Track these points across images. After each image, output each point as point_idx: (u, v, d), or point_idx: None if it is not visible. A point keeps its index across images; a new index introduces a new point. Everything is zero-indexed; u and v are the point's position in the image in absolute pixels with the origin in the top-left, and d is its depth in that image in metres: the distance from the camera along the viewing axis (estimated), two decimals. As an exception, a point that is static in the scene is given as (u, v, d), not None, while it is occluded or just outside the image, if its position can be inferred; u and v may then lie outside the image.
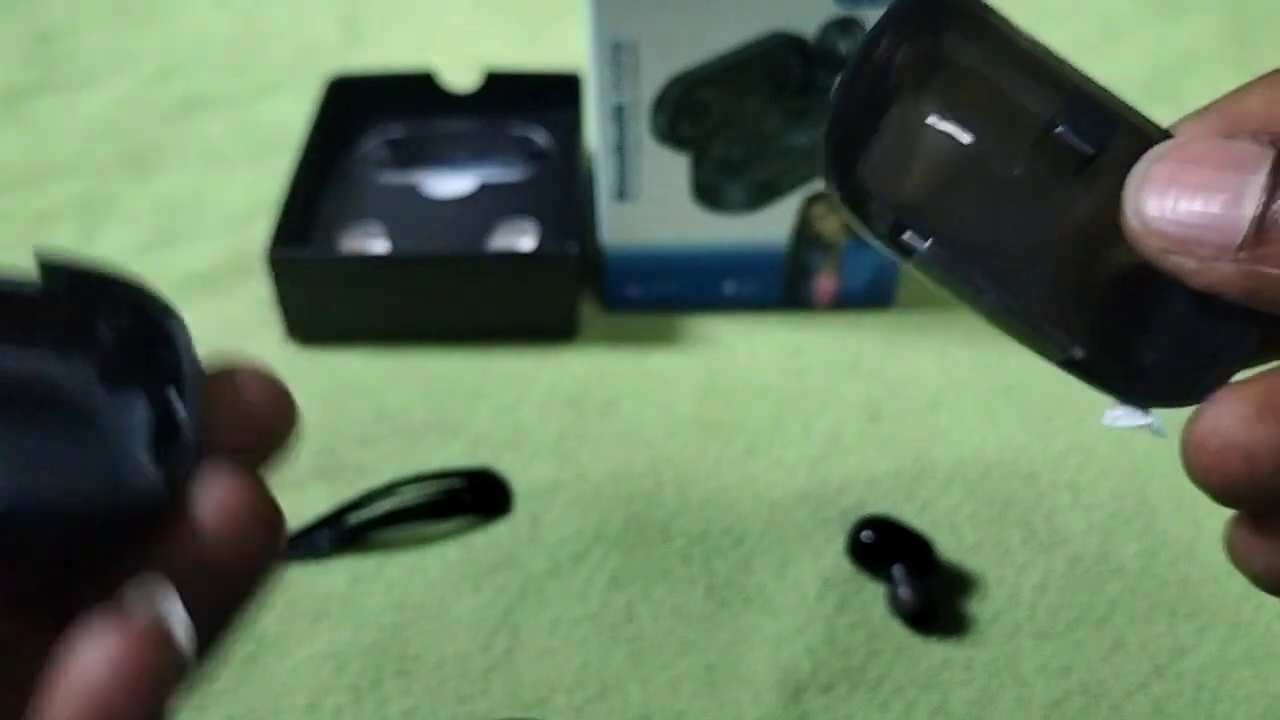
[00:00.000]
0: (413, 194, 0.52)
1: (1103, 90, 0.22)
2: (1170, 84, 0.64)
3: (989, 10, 0.22)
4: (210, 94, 0.63)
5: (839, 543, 0.39)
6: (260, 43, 0.67)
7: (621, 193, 0.46)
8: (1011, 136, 0.22)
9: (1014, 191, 0.22)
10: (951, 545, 0.40)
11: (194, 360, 0.20)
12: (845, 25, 0.42)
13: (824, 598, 0.38)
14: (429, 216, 0.51)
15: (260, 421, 0.21)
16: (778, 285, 0.49)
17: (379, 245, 0.49)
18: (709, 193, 0.46)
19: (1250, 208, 0.18)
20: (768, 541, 0.40)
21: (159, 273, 0.51)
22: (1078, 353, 0.21)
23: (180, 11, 0.70)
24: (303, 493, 0.41)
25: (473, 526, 0.41)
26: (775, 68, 0.43)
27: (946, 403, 0.45)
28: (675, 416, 0.45)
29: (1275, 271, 0.18)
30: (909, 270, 0.22)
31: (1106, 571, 0.39)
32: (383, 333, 0.48)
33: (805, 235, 0.47)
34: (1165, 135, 0.21)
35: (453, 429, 0.44)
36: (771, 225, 0.47)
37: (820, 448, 0.43)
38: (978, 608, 0.38)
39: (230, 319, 0.49)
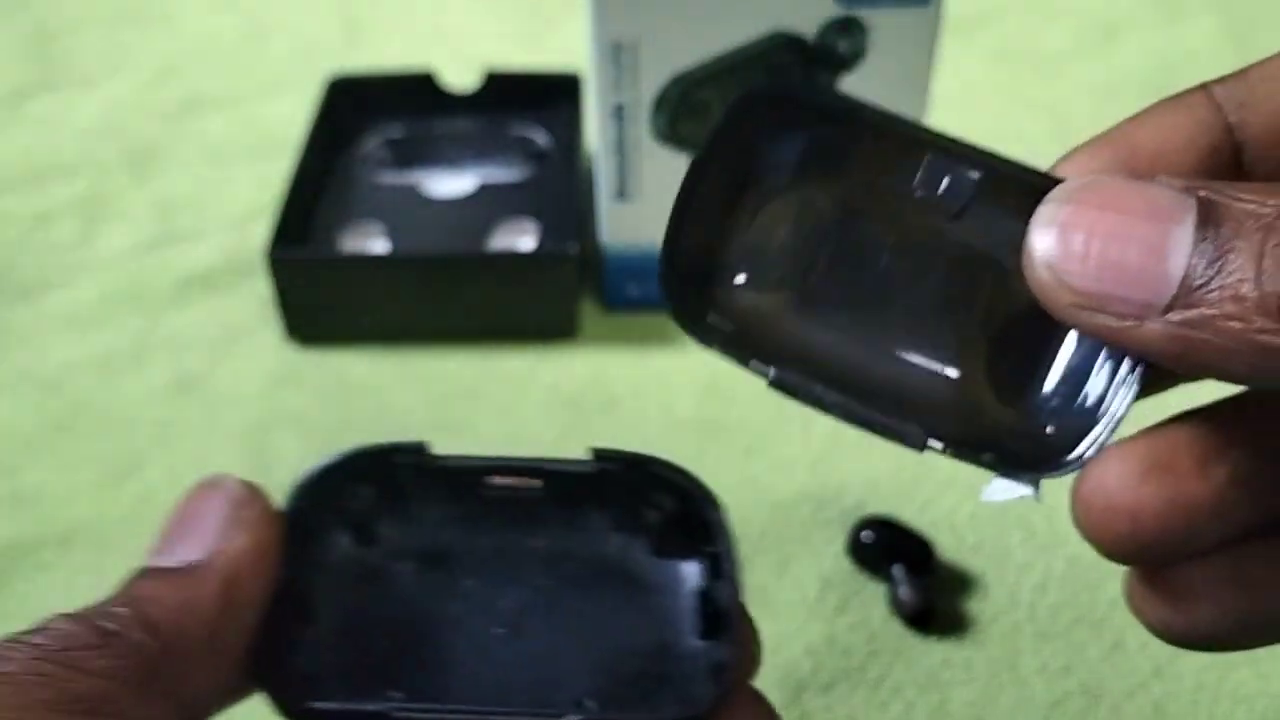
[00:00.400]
0: (413, 194, 0.52)
1: (966, 146, 0.20)
2: (1170, 84, 0.63)
3: (836, 97, 0.21)
4: (210, 94, 0.63)
5: (839, 543, 0.39)
6: (260, 43, 0.67)
7: (621, 193, 0.46)
8: (868, 222, 0.21)
9: (872, 282, 0.21)
10: (951, 545, 0.40)
11: (736, 553, 0.21)
12: (845, 25, 0.42)
13: (824, 598, 0.38)
14: (429, 216, 0.51)
15: (754, 643, 0.21)
16: (778, 285, 0.49)
17: (379, 245, 0.49)
18: (709, 193, 0.46)
19: (1179, 264, 0.17)
20: (768, 541, 0.40)
21: (159, 273, 0.51)
22: (935, 444, 0.21)
23: (180, 11, 0.70)
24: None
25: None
26: (775, 68, 0.43)
27: (946, 403, 0.45)
28: (675, 416, 0.45)
29: (1204, 336, 0.17)
30: None
31: (1106, 571, 0.39)
32: (383, 333, 0.48)
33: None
34: (1047, 177, 0.20)
35: (453, 429, 0.44)
36: (771, 225, 0.47)
37: (820, 448, 0.43)
38: (978, 608, 0.38)
39: (230, 319, 0.49)
